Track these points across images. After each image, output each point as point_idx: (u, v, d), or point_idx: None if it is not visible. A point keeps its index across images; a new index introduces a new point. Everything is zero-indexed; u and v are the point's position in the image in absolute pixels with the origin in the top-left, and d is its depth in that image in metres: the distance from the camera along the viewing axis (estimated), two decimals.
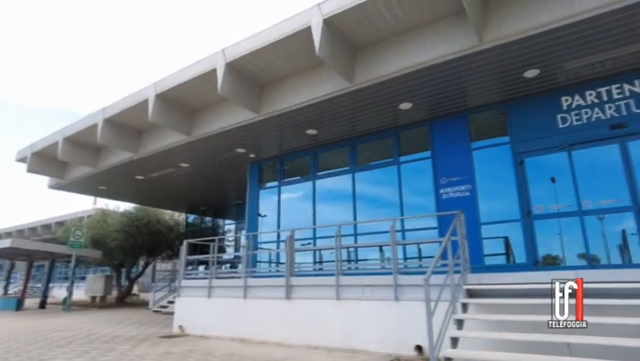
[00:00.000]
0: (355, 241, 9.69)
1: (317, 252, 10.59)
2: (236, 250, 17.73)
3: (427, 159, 9.06)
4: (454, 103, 8.47)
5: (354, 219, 9.74)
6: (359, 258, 10.16)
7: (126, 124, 11.35)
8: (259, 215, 11.84)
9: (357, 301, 7.14)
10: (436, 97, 8.23)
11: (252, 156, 11.65)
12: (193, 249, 16.79)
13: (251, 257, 9.88)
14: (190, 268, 14.46)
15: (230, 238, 19.13)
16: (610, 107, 7.30)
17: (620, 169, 7.05)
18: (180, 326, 9.57)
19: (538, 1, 6.22)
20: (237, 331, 8.50)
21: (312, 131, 9.88)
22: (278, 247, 10.96)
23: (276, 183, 11.67)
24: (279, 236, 11.05)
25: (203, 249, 11.20)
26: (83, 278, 27.54)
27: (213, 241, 10.10)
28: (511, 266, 7.74)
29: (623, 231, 7.00)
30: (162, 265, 23.28)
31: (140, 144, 11.77)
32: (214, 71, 8.54)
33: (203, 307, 9.36)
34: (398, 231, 8.87)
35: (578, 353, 4.41)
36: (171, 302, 14.18)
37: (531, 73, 7.30)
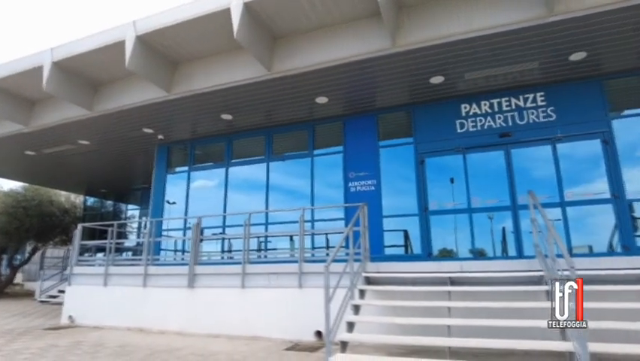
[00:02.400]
0: (266, 231, 9.71)
1: (228, 241, 10.42)
2: (140, 236, 16.73)
3: (339, 153, 9.37)
4: (366, 102, 8.85)
5: (267, 208, 9.74)
6: (269, 247, 10.19)
7: (16, 92, 10.03)
8: (168, 202, 11.28)
9: (263, 289, 7.20)
10: (350, 94, 8.53)
11: (160, 137, 11.02)
12: (91, 234, 15.53)
13: (153, 244, 9.40)
14: (87, 255, 13.35)
15: (134, 225, 17.98)
16: (499, 117, 8.18)
17: (504, 173, 7.96)
18: (70, 317, 8.83)
19: (444, 14, 6.73)
20: (135, 320, 8.10)
21: (227, 117, 9.63)
22: (184, 235, 10.56)
23: (185, 168, 11.19)
24: (185, 223, 10.65)
25: (103, 235, 10.39)
26: None
27: (112, 225, 9.42)
28: (408, 257, 8.34)
29: (504, 228, 7.92)
30: (55, 252, 21.09)
31: (32, 115, 10.48)
32: (122, 43, 7.90)
33: (97, 296, 8.74)
34: (308, 221, 9.07)
35: (455, 334, 4.92)
36: (62, 292, 12.95)
37: (436, 79, 7.90)
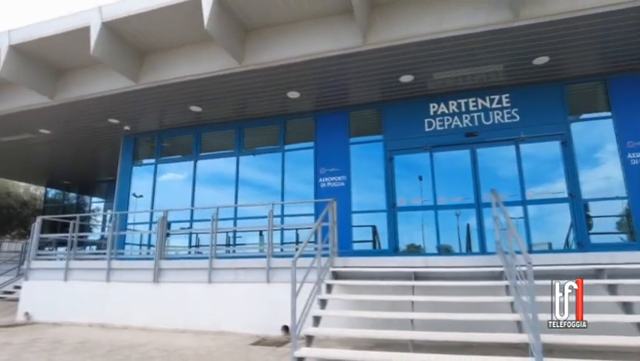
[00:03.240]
0: (235, 226, 9.62)
1: (196, 235, 10.27)
2: (105, 230, 16.22)
3: (310, 149, 9.39)
4: (338, 98, 8.89)
5: (236, 203, 9.65)
6: (239, 242, 10.11)
7: None
8: (134, 195, 10.98)
9: (230, 284, 7.14)
10: (322, 90, 8.55)
11: (126, 128, 10.69)
12: (52, 228, 14.94)
13: (118, 238, 9.14)
14: (48, 249, 12.85)
15: (99, 218, 17.41)
16: (466, 117, 8.41)
17: (469, 172, 8.19)
18: (27, 313, 8.48)
19: (415, 14, 6.84)
20: (97, 316, 7.87)
21: (196, 109, 9.45)
22: (150, 229, 10.32)
23: (152, 161, 10.91)
24: (152, 217, 10.40)
25: (65, 228, 10.00)
26: None
27: (74, 218, 9.10)
28: (376, 252, 8.46)
29: (468, 225, 8.17)
30: (13, 246, 20.17)
31: None
32: (87, 29, 7.62)
33: (57, 291, 8.41)
34: (278, 216, 9.06)
35: (418, 327, 5.05)
36: (19, 287, 12.41)
37: (406, 78, 8.02)
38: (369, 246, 8.78)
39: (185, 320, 7.22)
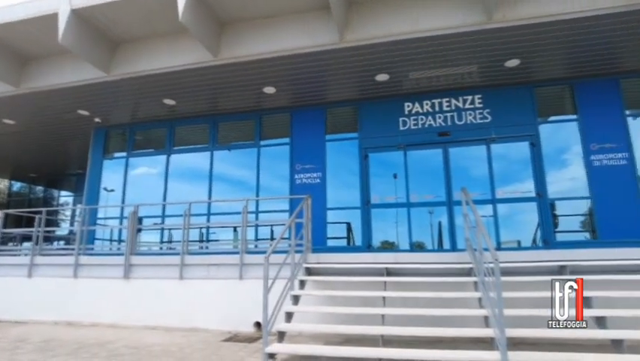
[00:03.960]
0: (208, 221, 9.51)
1: (168, 231, 10.09)
2: (73, 225, 15.73)
3: (286, 145, 9.35)
4: (314, 95, 8.89)
5: (210, 199, 9.53)
6: (212, 238, 10.00)
7: None
8: (105, 190, 10.69)
9: (202, 281, 7.06)
10: (298, 86, 8.53)
11: (97, 120, 10.38)
12: (17, 222, 14.35)
13: (87, 233, 8.88)
14: (11, 244, 12.37)
15: (67, 212, 16.87)
16: (439, 117, 8.56)
17: (442, 170, 8.35)
18: None
19: (392, 13, 6.91)
20: (64, 314, 7.62)
21: (169, 102, 9.27)
22: (121, 224, 10.07)
23: (124, 154, 10.64)
24: (122, 212, 10.15)
25: (31, 223, 9.62)
26: None
27: (40, 213, 8.78)
28: (350, 248, 8.53)
29: (440, 222, 8.33)
30: None
31: None
32: (55, 15, 7.35)
33: (21, 288, 8.11)
34: (252, 212, 9.01)
35: (389, 322, 5.13)
36: None
37: (382, 77, 8.09)
38: (343, 242, 8.84)
39: (156, 316, 7.09)
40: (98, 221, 10.60)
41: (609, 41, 6.94)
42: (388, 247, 8.49)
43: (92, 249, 9.78)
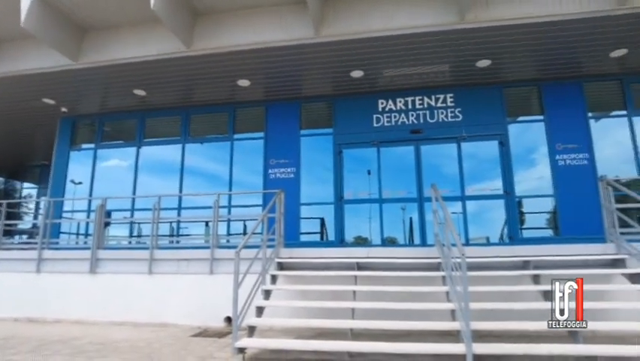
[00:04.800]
0: (179, 216, 9.34)
1: (138, 225, 9.86)
2: (37, 218, 15.15)
3: (260, 139, 9.29)
4: (290, 89, 8.85)
5: (181, 192, 9.36)
6: (184, 233, 9.84)
7: None
8: (73, 182, 10.32)
9: (172, 276, 6.95)
10: (273, 80, 8.47)
11: (63, 110, 10.00)
12: None
13: (51, 226, 8.57)
14: None
15: (31, 205, 16.22)
16: (412, 115, 8.69)
17: (413, 167, 8.49)
18: None
19: (368, 10, 6.95)
20: (26, 310, 7.35)
21: (140, 92, 9.02)
22: (88, 217, 9.76)
23: (92, 145, 10.29)
24: (90, 205, 9.85)
25: None
26: None
27: (0, 205, 8.41)
28: (323, 243, 8.57)
29: (411, 218, 8.48)
30: None
31: None
32: None
33: None
34: (224, 207, 8.92)
35: (359, 316, 5.20)
36: None
37: (357, 73, 8.14)
38: (317, 238, 8.86)
39: (124, 312, 6.94)
40: (64, 214, 10.24)
41: (574, 46, 7.21)
42: (361, 242, 8.58)
43: (57, 243, 9.45)
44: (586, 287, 5.21)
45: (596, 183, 7.70)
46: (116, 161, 10.29)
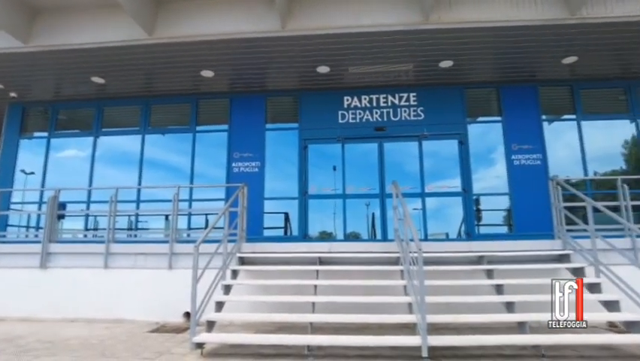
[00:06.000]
0: (137, 209, 9.05)
1: (94, 218, 9.46)
2: None
3: (224, 131, 9.12)
4: (255, 82, 8.74)
5: (140, 184, 9.07)
6: (142, 226, 9.53)
7: None
8: (24, 172, 9.76)
9: (129, 270, 6.77)
10: (238, 72, 8.33)
11: (12, 95, 9.40)
12: None
13: None
14: None
15: None
16: (377, 112, 8.80)
17: (376, 164, 8.62)
18: None
19: (335, 6, 6.95)
20: None
21: (98, 80, 8.63)
22: (40, 209, 9.29)
23: (45, 134, 9.75)
24: (42, 196, 9.36)
25: None
26: None
27: None
28: (287, 238, 8.52)
29: (373, 214, 8.61)
30: None
31: None
32: None
33: None
34: (185, 200, 8.72)
35: (319, 310, 5.25)
36: None
37: (323, 69, 8.14)
38: (280, 232, 8.82)
39: (77, 308, 6.70)
40: (13, 206, 9.69)
41: (530, 51, 7.53)
42: (325, 237, 8.62)
43: (5, 236, 8.95)
44: (533, 281, 5.52)
45: (547, 182, 8.12)
46: (72, 151, 9.81)
